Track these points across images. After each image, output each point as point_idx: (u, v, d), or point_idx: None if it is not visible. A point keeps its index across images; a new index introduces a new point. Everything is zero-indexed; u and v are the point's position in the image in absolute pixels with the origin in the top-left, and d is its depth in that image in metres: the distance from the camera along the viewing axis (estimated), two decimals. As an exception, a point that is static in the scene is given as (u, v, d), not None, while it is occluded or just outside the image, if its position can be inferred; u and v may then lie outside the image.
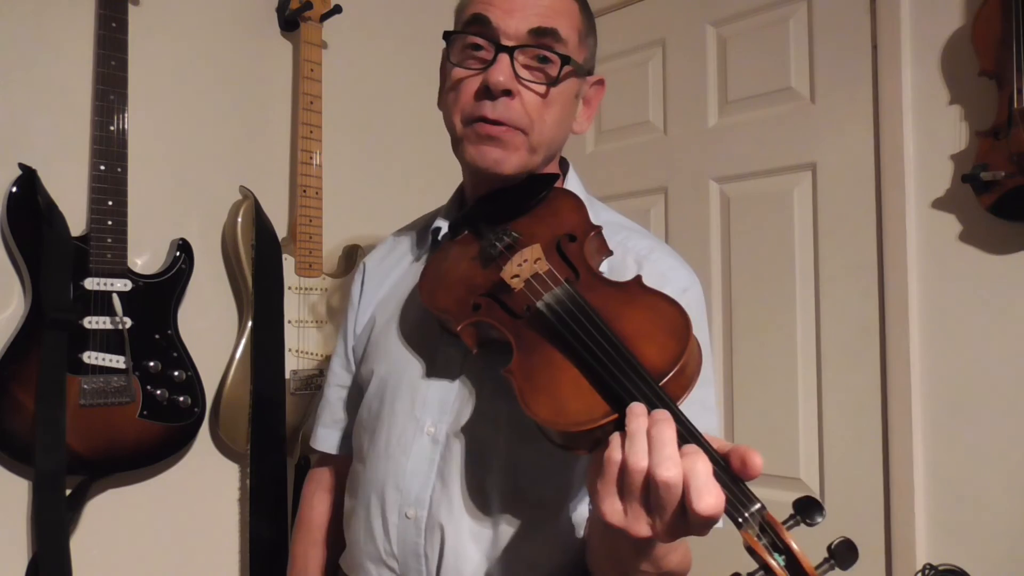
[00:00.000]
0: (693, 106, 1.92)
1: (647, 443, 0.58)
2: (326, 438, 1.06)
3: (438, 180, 1.92)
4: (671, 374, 0.63)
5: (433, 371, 0.88)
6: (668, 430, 0.58)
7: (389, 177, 1.87)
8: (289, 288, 1.55)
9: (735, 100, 1.85)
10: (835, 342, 1.64)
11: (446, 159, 1.96)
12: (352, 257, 1.68)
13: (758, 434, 1.71)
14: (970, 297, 1.47)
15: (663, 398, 0.61)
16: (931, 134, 1.53)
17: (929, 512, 1.50)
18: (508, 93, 0.83)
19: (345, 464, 1.05)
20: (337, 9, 1.63)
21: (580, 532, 0.85)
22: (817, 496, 1.63)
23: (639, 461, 0.57)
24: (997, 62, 1.38)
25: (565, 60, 0.85)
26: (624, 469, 0.58)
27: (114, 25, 1.34)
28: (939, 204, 1.52)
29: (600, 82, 0.96)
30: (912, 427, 1.52)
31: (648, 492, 0.58)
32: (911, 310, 1.54)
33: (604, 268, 0.84)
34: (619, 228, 0.91)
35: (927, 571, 0.55)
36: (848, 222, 1.64)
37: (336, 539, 1.05)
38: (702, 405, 0.63)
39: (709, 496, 0.54)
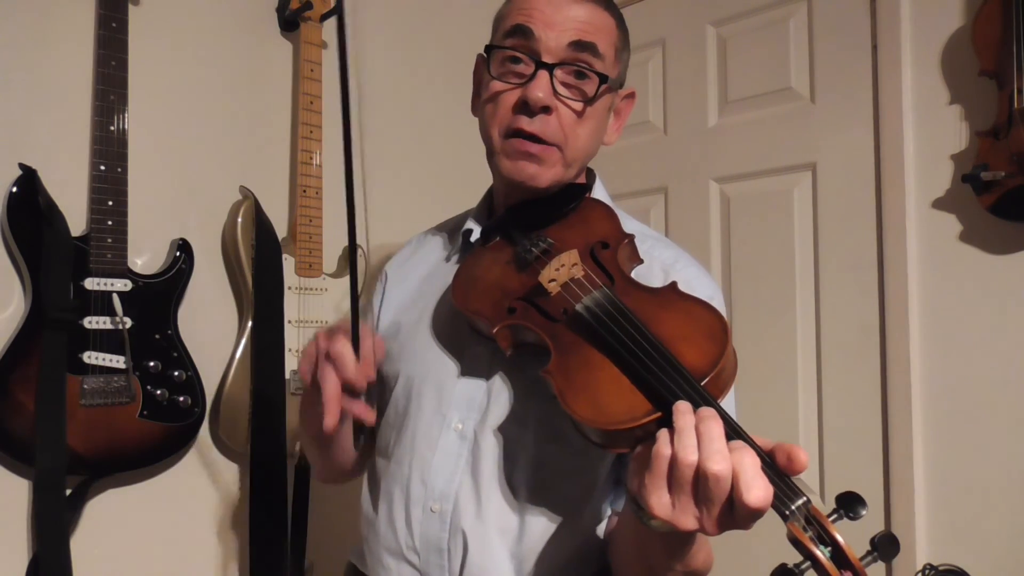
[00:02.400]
0: (693, 106, 1.92)
1: (696, 438, 0.59)
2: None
3: (439, 179, 1.92)
4: (710, 376, 0.64)
5: (461, 369, 0.89)
6: (716, 426, 0.59)
7: (389, 177, 1.87)
8: (289, 288, 1.55)
9: (735, 100, 1.85)
10: (835, 342, 1.64)
11: (447, 158, 1.97)
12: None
13: (758, 434, 1.71)
14: (970, 297, 1.47)
15: (706, 397, 0.63)
16: (931, 134, 1.53)
17: (929, 512, 1.50)
18: (546, 109, 0.85)
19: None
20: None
21: (600, 531, 0.87)
22: (817, 496, 1.63)
23: (689, 455, 0.59)
24: (997, 62, 1.38)
25: (603, 79, 0.87)
26: (674, 463, 0.60)
27: (114, 25, 1.34)
28: (939, 204, 1.52)
29: (631, 95, 0.98)
30: (912, 427, 1.52)
31: (697, 486, 0.59)
32: (911, 310, 1.54)
33: (634, 276, 0.85)
34: (644, 237, 0.92)
35: (927, 571, 0.56)
36: (848, 222, 1.64)
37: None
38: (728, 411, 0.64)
39: (758, 489, 0.56)
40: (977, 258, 1.47)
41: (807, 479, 1.65)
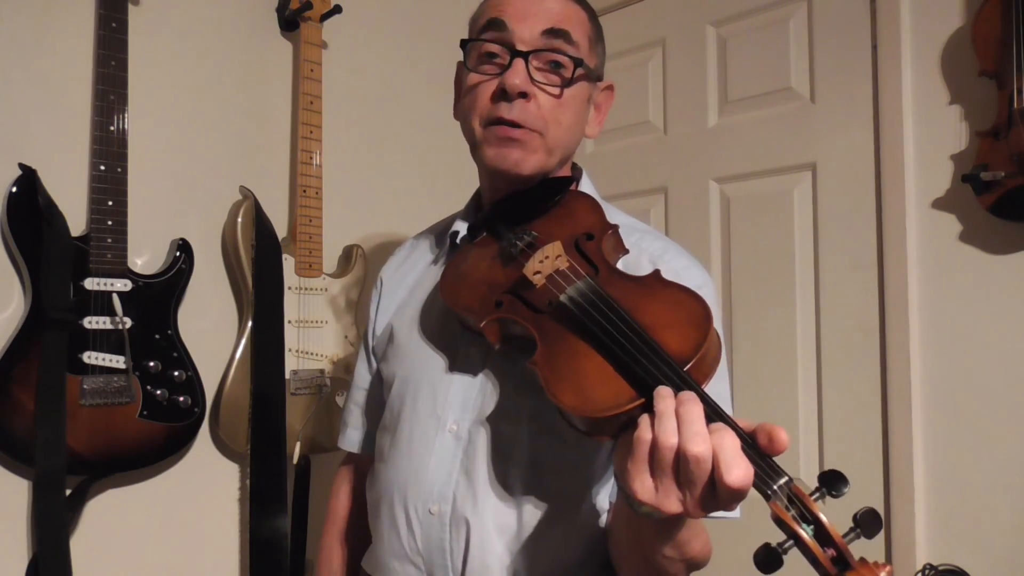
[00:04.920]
0: (693, 106, 1.92)
1: (676, 421, 0.59)
2: (351, 438, 1.09)
3: (439, 179, 1.92)
4: (693, 361, 0.65)
5: (454, 369, 0.89)
6: (695, 408, 0.60)
7: (389, 177, 1.87)
8: (289, 288, 1.55)
9: (735, 100, 1.85)
10: (835, 342, 1.64)
11: (446, 158, 1.97)
12: (352, 257, 1.68)
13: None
14: (970, 297, 1.47)
15: (688, 381, 0.63)
16: (931, 134, 1.53)
17: (929, 512, 1.50)
18: (524, 96, 0.86)
19: (368, 463, 1.06)
20: (337, 9, 1.63)
21: (602, 523, 0.87)
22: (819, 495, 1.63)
23: (669, 438, 0.59)
24: (997, 62, 1.38)
25: (577, 63, 0.88)
26: (655, 447, 0.60)
27: (114, 25, 1.34)
28: (939, 204, 1.52)
29: (610, 88, 0.99)
30: (912, 427, 1.52)
31: (679, 468, 0.60)
32: (911, 310, 1.54)
33: (620, 266, 0.85)
34: (632, 230, 0.93)
35: (927, 571, 0.56)
36: (848, 222, 1.64)
37: (357, 532, 1.08)
38: (718, 398, 0.64)
39: (738, 469, 0.57)
40: (977, 258, 1.47)
41: (807, 479, 1.65)
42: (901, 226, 1.55)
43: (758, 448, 0.60)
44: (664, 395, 0.61)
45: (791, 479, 0.58)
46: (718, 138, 1.87)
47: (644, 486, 0.61)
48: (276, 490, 1.50)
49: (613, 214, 0.94)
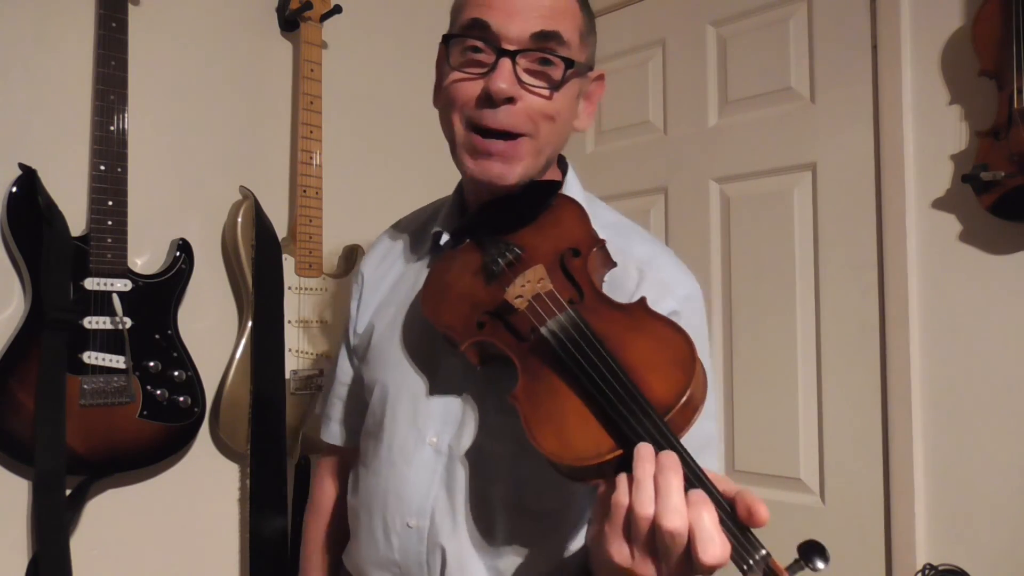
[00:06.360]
0: (693, 106, 1.92)
1: (653, 490, 0.59)
2: (333, 431, 1.08)
3: (438, 179, 1.92)
4: (676, 408, 0.63)
5: (436, 381, 0.87)
6: (675, 478, 0.59)
7: (389, 177, 1.87)
8: (289, 288, 1.55)
9: (735, 100, 1.85)
10: (835, 342, 1.64)
11: (447, 158, 1.97)
12: (352, 257, 1.68)
13: (758, 434, 1.71)
14: (970, 297, 1.47)
15: (669, 437, 0.62)
16: (931, 134, 1.53)
17: (929, 512, 1.50)
18: (510, 100, 0.80)
19: (350, 454, 1.06)
20: (337, 9, 1.63)
21: (582, 542, 0.85)
22: (817, 496, 1.63)
23: (645, 509, 0.59)
24: (997, 62, 1.38)
25: (569, 64, 0.82)
26: (631, 516, 0.60)
27: (114, 25, 1.34)
28: (939, 204, 1.52)
29: (600, 77, 0.93)
30: (912, 427, 1.52)
31: (654, 539, 0.59)
32: (911, 310, 1.54)
33: (607, 278, 0.83)
34: (620, 230, 0.89)
35: (927, 571, 0.56)
36: (848, 222, 1.64)
37: (340, 525, 1.07)
38: (703, 413, 0.63)
39: (714, 546, 0.56)
40: (977, 258, 1.47)
41: (807, 480, 1.65)
42: (901, 226, 1.55)
43: (737, 520, 0.59)
44: (644, 457, 0.60)
45: (768, 553, 0.58)
46: (718, 138, 1.87)
47: (621, 552, 0.61)
48: (276, 490, 1.50)
49: (599, 212, 0.91)
